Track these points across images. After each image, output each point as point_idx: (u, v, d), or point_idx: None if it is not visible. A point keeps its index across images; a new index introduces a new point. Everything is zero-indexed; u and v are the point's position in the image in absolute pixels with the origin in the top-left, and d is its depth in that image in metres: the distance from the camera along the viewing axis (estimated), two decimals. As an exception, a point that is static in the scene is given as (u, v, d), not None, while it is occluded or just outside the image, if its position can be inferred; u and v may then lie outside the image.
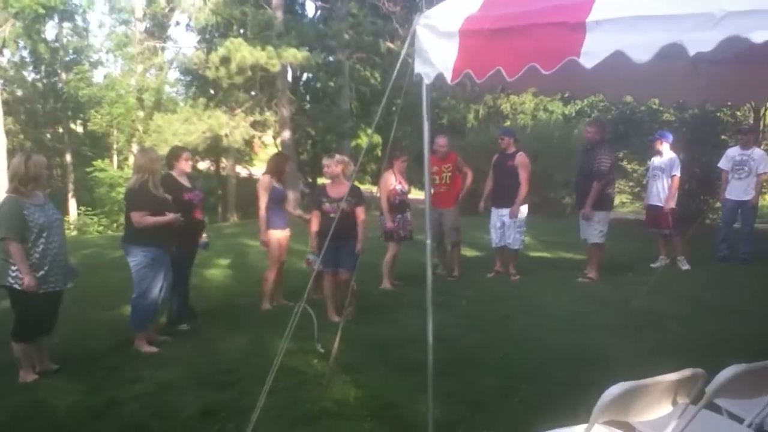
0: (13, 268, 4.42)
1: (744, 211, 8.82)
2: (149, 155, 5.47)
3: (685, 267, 8.29)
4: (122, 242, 5.40)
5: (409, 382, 4.31)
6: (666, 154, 8.38)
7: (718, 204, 9.27)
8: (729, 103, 10.51)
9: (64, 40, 27.67)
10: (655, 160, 8.51)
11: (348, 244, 5.81)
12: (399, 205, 7.32)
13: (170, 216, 5.27)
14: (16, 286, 4.43)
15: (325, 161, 6.20)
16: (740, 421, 2.88)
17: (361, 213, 5.99)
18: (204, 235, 6.14)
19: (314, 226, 6.01)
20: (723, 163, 8.89)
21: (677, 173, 8.30)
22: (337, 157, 6.28)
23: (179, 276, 5.80)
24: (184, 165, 5.87)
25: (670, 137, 8.57)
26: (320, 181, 29.44)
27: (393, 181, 7.30)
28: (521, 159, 7.74)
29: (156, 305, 5.40)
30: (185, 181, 5.86)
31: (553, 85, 4.44)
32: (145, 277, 5.23)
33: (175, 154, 5.96)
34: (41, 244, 4.49)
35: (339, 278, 6.02)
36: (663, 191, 8.34)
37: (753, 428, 2.81)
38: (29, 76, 28.05)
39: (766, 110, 14.55)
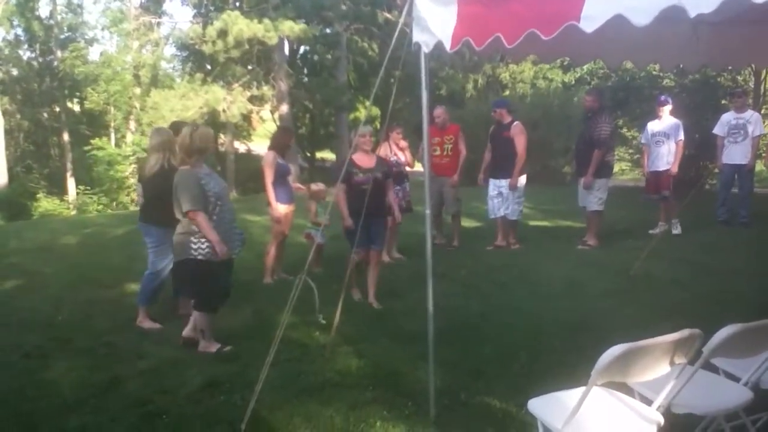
0: (194, 240, 4.44)
1: (741, 175, 8.78)
2: (165, 134, 5.39)
3: (676, 231, 8.24)
4: (142, 222, 5.36)
5: (409, 351, 4.35)
6: (667, 119, 8.33)
7: (717, 170, 9.24)
8: (729, 67, 10.43)
9: (59, 17, 27.44)
10: (654, 126, 8.43)
11: (379, 219, 5.67)
12: (396, 176, 7.28)
13: None
14: (200, 257, 4.44)
15: (363, 130, 5.85)
16: (737, 380, 2.92)
17: (390, 184, 5.92)
18: None
19: (343, 200, 5.57)
20: (718, 129, 8.83)
21: (682, 138, 8.26)
22: (369, 128, 6.10)
23: None
24: None
25: (671, 101, 8.53)
26: (319, 155, 29.45)
27: (388, 152, 7.28)
28: (516, 129, 7.69)
29: (163, 282, 5.45)
30: None
31: (553, 51, 4.39)
32: (166, 255, 5.24)
33: (176, 129, 5.93)
34: (217, 213, 4.52)
35: (372, 256, 5.78)
36: (668, 156, 8.28)
37: (749, 387, 2.85)
38: (24, 55, 27.86)
39: (767, 73, 14.43)
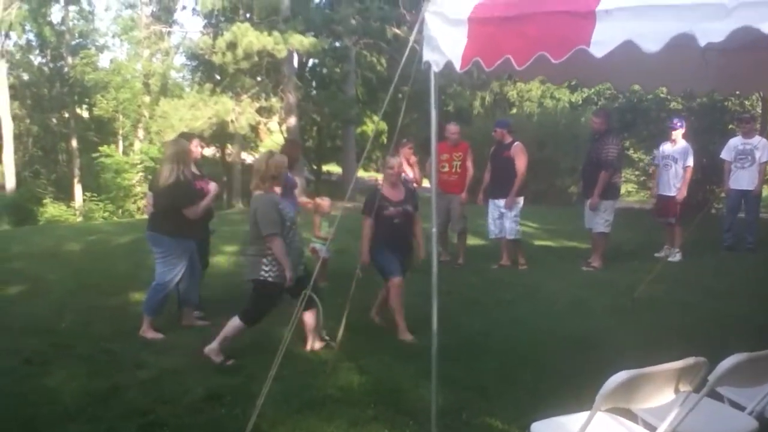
0: (266, 261, 4.54)
1: (748, 201, 8.75)
2: (180, 145, 5.39)
3: (673, 259, 7.93)
4: (151, 232, 5.31)
5: (412, 368, 4.34)
6: (679, 142, 8.26)
7: (723, 194, 9.22)
8: (737, 93, 10.44)
9: (70, 23, 27.61)
10: (666, 149, 8.37)
11: (404, 250, 5.43)
12: None
13: (210, 196, 5.41)
14: (270, 278, 4.55)
15: (393, 161, 5.43)
16: (741, 409, 2.90)
17: (419, 217, 5.48)
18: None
19: (367, 236, 5.30)
20: (725, 154, 8.81)
21: (691, 163, 8.16)
22: (399, 159, 5.73)
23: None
24: (195, 151, 5.84)
25: (684, 125, 8.46)
26: (325, 168, 29.49)
27: None
28: (517, 149, 7.70)
29: (168, 293, 5.43)
30: (194, 169, 5.84)
31: (562, 73, 4.40)
32: (175, 266, 5.25)
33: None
34: (290, 237, 4.64)
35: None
36: (676, 180, 8.22)
37: (754, 416, 2.83)
38: (35, 60, 28.06)
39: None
